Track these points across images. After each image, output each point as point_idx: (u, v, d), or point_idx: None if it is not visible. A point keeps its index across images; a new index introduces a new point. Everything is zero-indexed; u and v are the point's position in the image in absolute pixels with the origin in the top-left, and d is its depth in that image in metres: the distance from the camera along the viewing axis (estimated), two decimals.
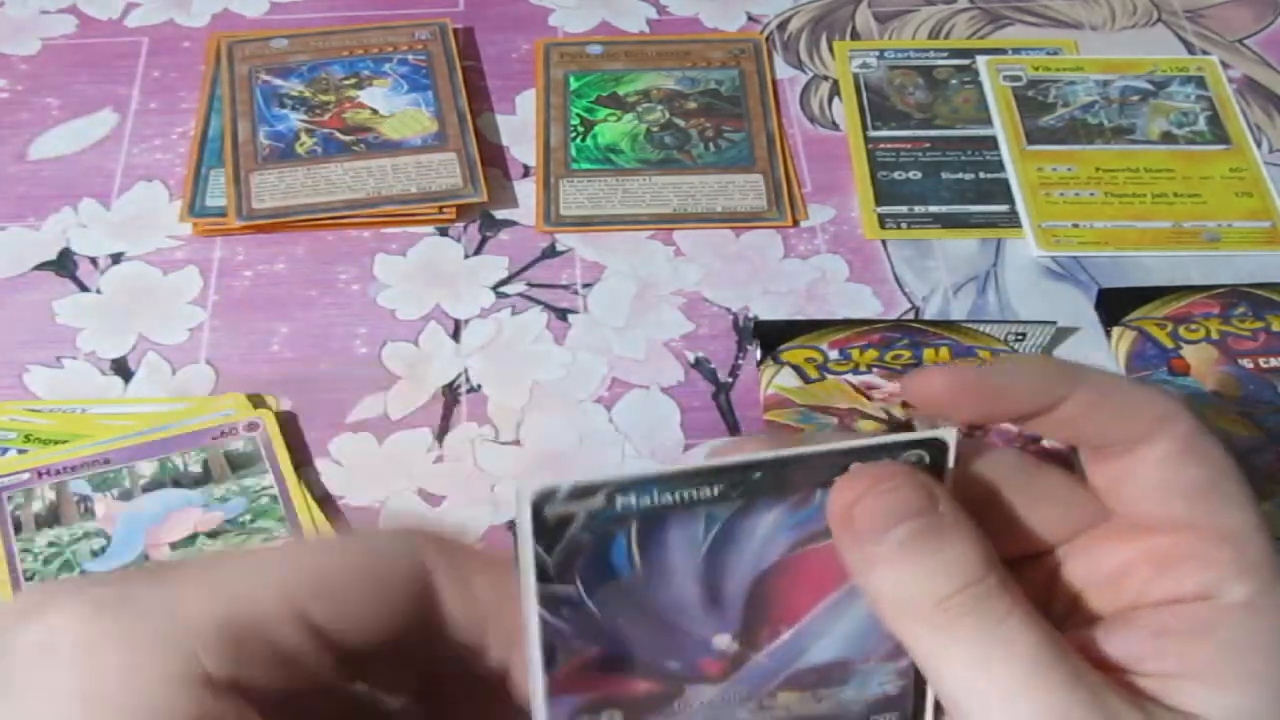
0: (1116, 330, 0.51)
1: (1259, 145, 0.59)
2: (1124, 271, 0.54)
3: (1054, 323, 0.50)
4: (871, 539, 0.26)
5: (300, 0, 0.66)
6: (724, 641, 0.29)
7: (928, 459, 0.28)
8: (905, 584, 0.26)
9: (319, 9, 0.65)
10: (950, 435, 0.28)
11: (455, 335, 0.51)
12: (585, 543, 0.27)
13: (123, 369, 0.50)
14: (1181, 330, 0.50)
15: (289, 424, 0.48)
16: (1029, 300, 0.53)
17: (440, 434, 0.48)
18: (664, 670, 0.29)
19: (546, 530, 0.27)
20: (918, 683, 0.30)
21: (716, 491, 0.27)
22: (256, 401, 0.49)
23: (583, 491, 0.27)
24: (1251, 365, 0.49)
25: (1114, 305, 0.52)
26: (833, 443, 0.27)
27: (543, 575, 0.27)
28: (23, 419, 0.48)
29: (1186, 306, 0.51)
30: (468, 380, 0.50)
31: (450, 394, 0.50)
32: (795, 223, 0.56)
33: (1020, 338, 0.50)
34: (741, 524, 0.28)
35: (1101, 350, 0.51)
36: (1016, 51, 0.63)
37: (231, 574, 0.25)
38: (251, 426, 0.47)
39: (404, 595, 0.26)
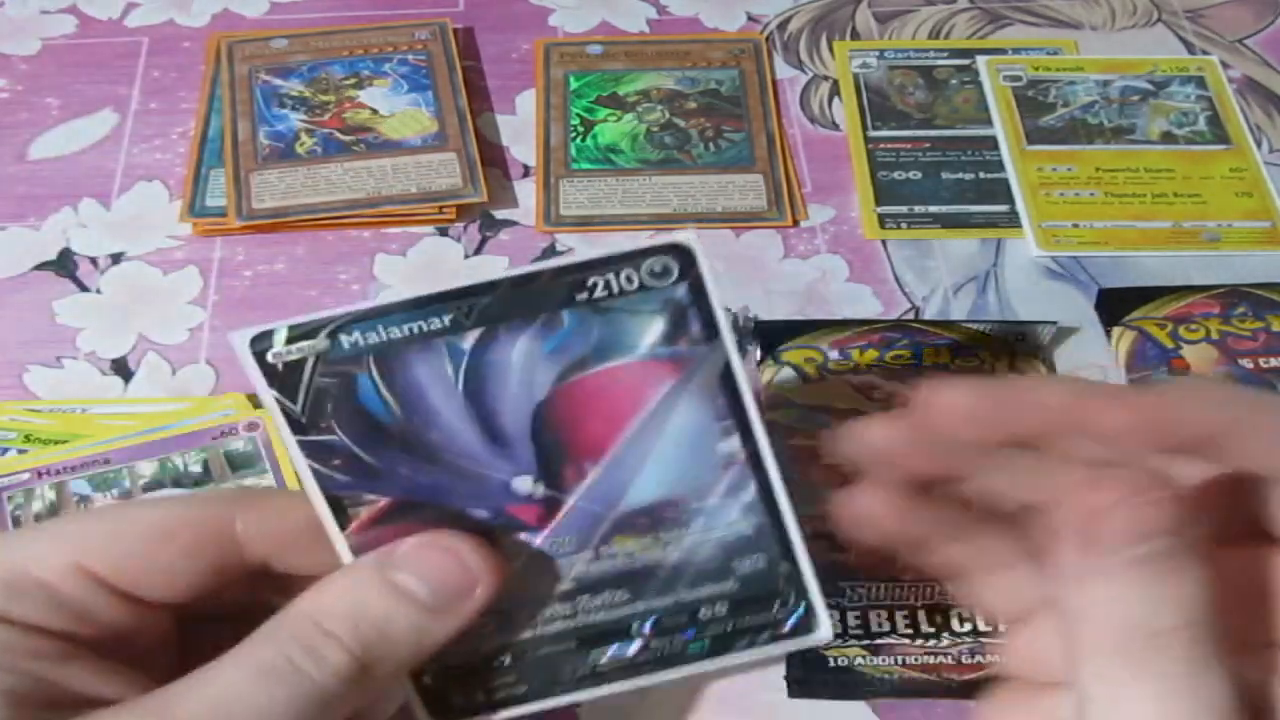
0: (1116, 330, 0.51)
1: (1259, 145, 0.59)
2: (1124, 271, 0.54)
3: (1054, 323, 0.50)
4: (1110, 549, 0.24)
5: (300, 0, 0.66)
6: (525, 484, 0.29)
7: (676, 271, 0.27)
8: (1123, 606, 0.24)
9: (319, 9, 0.65)
10: (692, 239, 0.27)
11: None
12: (328, 387, 0.27)
13: (123, 369, 0.50)
14: (1181, 330, 0.50)
15: None
16: (1029, 300, 0.53)
17: None
18: (473, 519, 0.29)
19: (278, 376, 0.27)
20: (774, 519, 0.29)
21: (448, 321, 0.27)
22: (256, 401, 0.49)
23: (301, 332, 0.27)
24: (1251, 365, 0.49)
25: (1114, 305, 0.52)
26: (565, 259, 0.27)
27: (296, 426, 0.27)
28: (23, 419, 0.48)
29: (1186, 306, 0.51)
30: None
31: None
32: (795, 223, 0.56)
33: (1020, 338, 0.50)
34: (490, 354, 0.27)
35: (1101, 350, 0.51)
36: (1016, 51, 0.63)
37: (24, 533, 0.30)
38: (251, 426, 0.47)
39: (200, 548, 0.28)
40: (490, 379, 0.27)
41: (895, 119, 0.60)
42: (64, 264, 0.54)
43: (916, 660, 0.41)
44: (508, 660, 0.30)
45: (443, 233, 0.55)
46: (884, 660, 0.41)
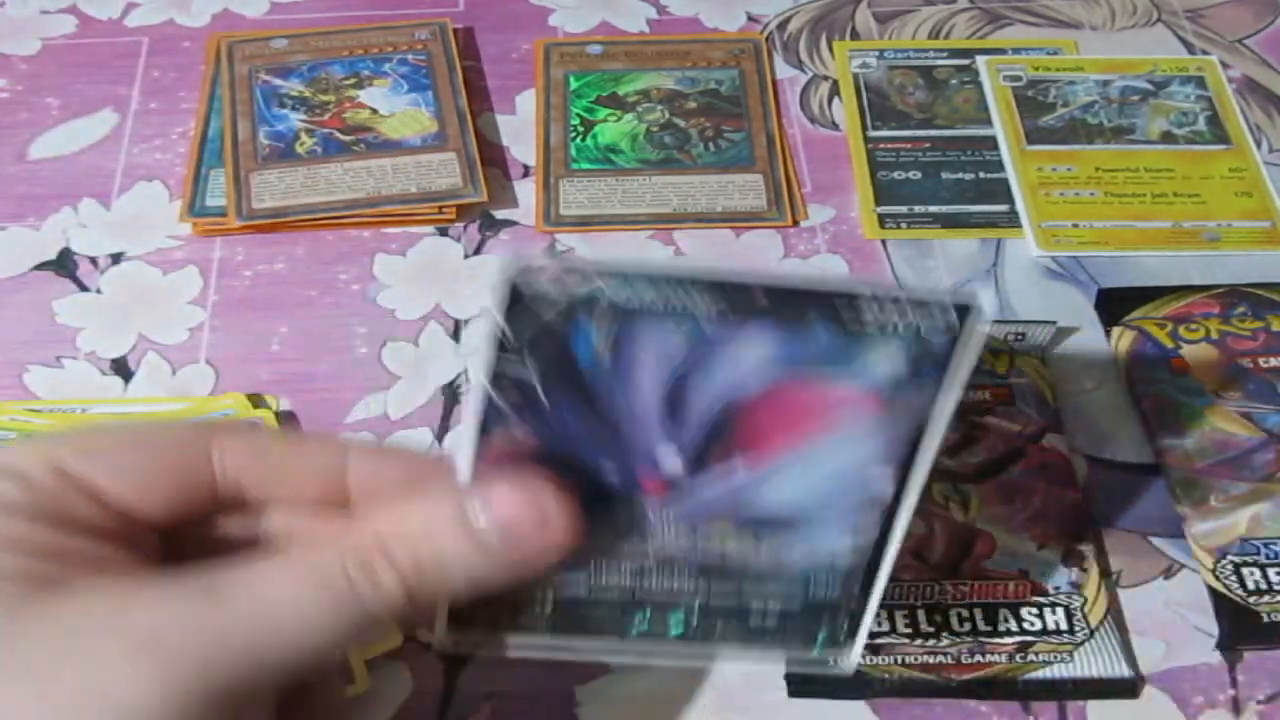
0: (1116, 330, 0.51)
1: (1259, 145, 0.59)
2: (1124, 271, 0.54)
3: (1054, 322, 0.50)
4: None
5: (300, 0, 0.66)
6: (670, 460, 0.28)
7: (956, 326, 0.27)
8: None
9: (319, 9, 0.65)
10: (986, 303, 0.26)
11: (455, 335, 0.51)
12: (554, 326, 0.26)
13: (123, 369, 0.50)
14: (1181, 330, 0.50)
15: (289, 424, 0.48)
16: (1029, 300, 0.53)
17: (440, 434, 0.48)
18: (600, 479, 0.28)
19: (518, 305, 0.26)
20: (872, 567, 0.30)
21: (712, 305, 0.26)
22: (256, 401, 0.49)
23: (567, 272, 0.26)
24: (1251, 365, 0.49)
25: (1114, 305, 0.52)
26: (861, 283, 0.26)
27: (501, 349, 0.27)
28: (23, 419, 0.48)
29: (1186, 306, 0.51)
30: (468, 380, 0.50)
31: (450, 394, 0.50)
32: (795, 223, 0.56)
33: (1020, 338, 0.50)
34: (728, 345, 0.27)
35: (1101, 350, 0.51)
36: (1016, 51, 0.63)
37: (15, 439, 0.32)
38: (251, 427, 0.47)
39: (176, 465, 0.29)
40: (709, 365, 0.27)
41: (895, 119, 0.60)
42: (64, 264, 0.54)
43: (916, 660, 0.41)
44: (548, 597, 0.30)
45: (443, 233, 0.55)
46: (884, 660, 0.41)
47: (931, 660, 0.41)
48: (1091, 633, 0.42)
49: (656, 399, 0.27)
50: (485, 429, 0.28)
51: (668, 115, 0.60)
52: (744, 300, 0.26)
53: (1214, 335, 0.50)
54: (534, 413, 0.27)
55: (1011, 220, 0.56)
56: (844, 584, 0.30)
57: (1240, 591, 0.43)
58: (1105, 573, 0.44)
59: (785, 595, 0.30)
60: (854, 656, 0.31)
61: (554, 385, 0.27)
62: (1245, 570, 0.43)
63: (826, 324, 0.26)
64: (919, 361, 0.27)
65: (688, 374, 0.27)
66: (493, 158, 0.58)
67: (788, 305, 0.26)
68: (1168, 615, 0.43)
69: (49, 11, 0.65)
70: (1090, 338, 0.52)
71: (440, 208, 0.55)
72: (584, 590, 0.30)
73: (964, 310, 0.26)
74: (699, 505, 0.29)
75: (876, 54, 0.63)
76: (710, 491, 0.28)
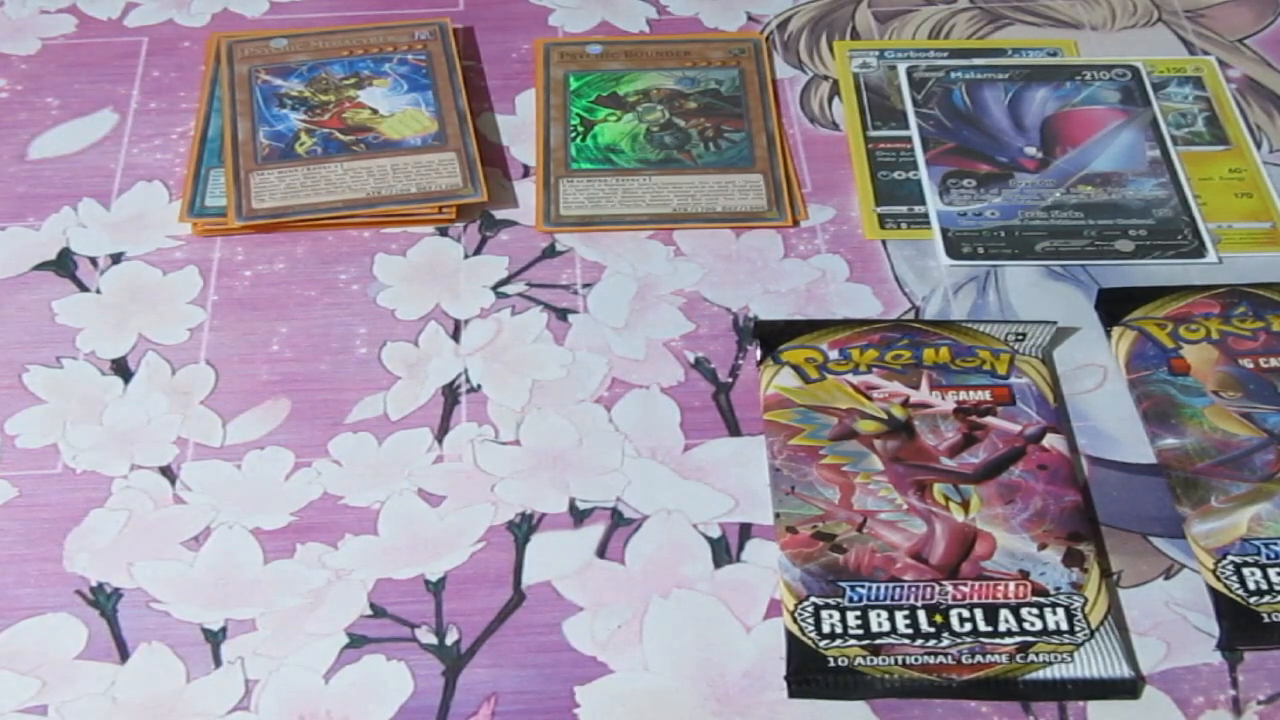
0: (1116, 330, 0.51)
1: (1259, 145, 0.59)
2: (1124, 271, 0.54)
3: (1054, 323, 0.50)
4: None
5: (300, 0, 0.66)
6: (1032, 149, 0.56)
7: (1131, 75, 0.60)
8: None
9: (319, 9, 0.65)
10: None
11: (455, 335, 0.51)
12: (937, 92, 0.57)
13: (122, 369, 0.50)
14: (1181, 330, 0.50)
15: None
16: (1029, 300, 0.53)
17: (440, 434, 0.48)
18: (996, 160, 0.56)
19: (919, 87, 0.57)
20: (1178, 192, 0.54)
21: (1008, 74, 0.58)
22: None
23: (933, 68, 0.57)
24: (1251, 365, 0.49)
25: (1114, 305, 0.52)
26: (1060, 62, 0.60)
27: (915, 103, 0.56)
28: None
29: (1186, 306, 0.51)
30: (468, 380, 0.50)
31: (450, 394, 0.50)
32: (795, 223, 0.56)
33: (1020, 338, 0.50)
34: (1025, 91, 0.58)
35: (1101, 350, 0.51)
36: (1016, 51, 0.63)
37: None
38: None
39: None
40: (1022, 99, 0.58)
41: (895, 119, 0.60)
42: (64, 264, 0.54)
43: (916, 660, 0.41)
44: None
45: (443, 233, 0.55)
46: (884, 660, 0.41)
47: (931, 660, 0.41)
48: (1092, 633, 0.42)
49: (1006, 120, 0.56)
50: (924, 143, 0.57)
51: (668, 115, 0.60)
52: (1027, 73, 0.55)
53: (1214, 335, 0.50)
54: (946, 131, 0.56)
55: None
56: (1170, 205, 0.52)
57: (1241, 592, 0.43)
58: (1105, 573, 0.44)
59: (1140, 219, 0.52)
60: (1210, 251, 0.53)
61: (949, 118, 0.57)
62: (1246, 570, 0.43)
63: (1072, 80, 0.56)
64: (1127, 94, 0.58)
65: (1015, 105, 0.56)
66: (493, 158, 0.58)
67: (1048, 73, 0.57)
68: (1168, 615, 0.43)
69: (49, 11, 0.65)
70: (1090, 338, 0.52)
71: (440, 208, 0.55)
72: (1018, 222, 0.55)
73: (1137, 75, 0.58)
74: (1058, 173, 0.55)
75: (876, 54, 0.63)
76: (1061, 164, 0.55)
